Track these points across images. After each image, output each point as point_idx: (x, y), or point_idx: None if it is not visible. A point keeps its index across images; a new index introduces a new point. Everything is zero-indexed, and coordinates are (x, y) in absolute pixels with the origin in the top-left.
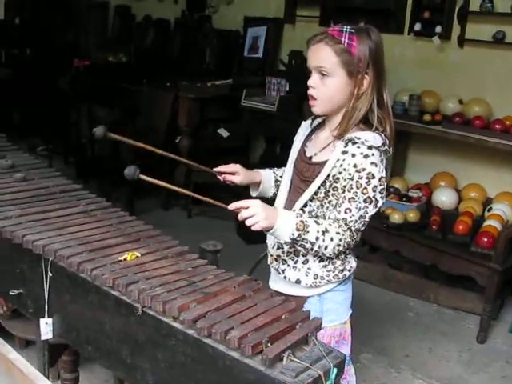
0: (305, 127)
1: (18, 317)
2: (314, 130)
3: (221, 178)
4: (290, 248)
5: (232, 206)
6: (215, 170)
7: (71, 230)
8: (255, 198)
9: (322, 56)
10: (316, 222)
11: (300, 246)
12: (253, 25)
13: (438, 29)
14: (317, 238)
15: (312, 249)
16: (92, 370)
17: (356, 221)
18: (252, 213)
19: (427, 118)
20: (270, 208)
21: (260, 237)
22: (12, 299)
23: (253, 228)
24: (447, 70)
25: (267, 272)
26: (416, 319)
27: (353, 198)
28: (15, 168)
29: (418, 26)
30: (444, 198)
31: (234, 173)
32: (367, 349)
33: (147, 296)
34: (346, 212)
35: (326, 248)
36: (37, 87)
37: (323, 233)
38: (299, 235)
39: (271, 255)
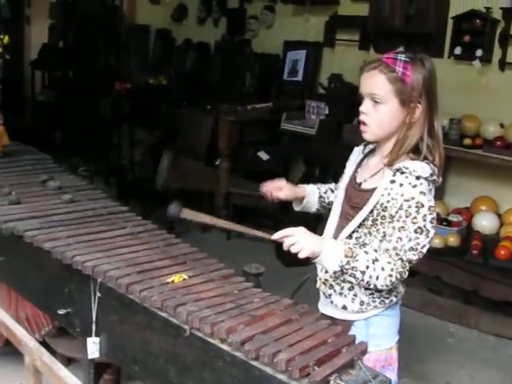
0: (357, 153)
1: (62, 335)
2: (365, 156)
3: (268, 195)
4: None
5: (276, 236)
6: (263, 189)
7: (119, 252)
8: (298, 211)
9: (376, 83)
10: (365, 251)
11: (350, 275)
12: (292, 48)
13: (479, 52)
14: (367, 267)
15: (363, 279)
16: None
17: (406, 251)
18: (297, 239)
19: (467, 141)
20: (315, 235)
21: (299, 260)
22: (59, 318)
23: (299, 255)
24: (488, 94)
25: (309, 295)
26: (456, 345)
27: (402, 227)
28: (62, 189)
29: (458, 50)
30: (485, 222)
31: (279, 188)
32: (407, 374)
33: (195, 318)
34: (396, 241)
35: (377, 278)
36: (79, 109)
37: (373, 261)
38: (348, 262)
39: (319, 279)
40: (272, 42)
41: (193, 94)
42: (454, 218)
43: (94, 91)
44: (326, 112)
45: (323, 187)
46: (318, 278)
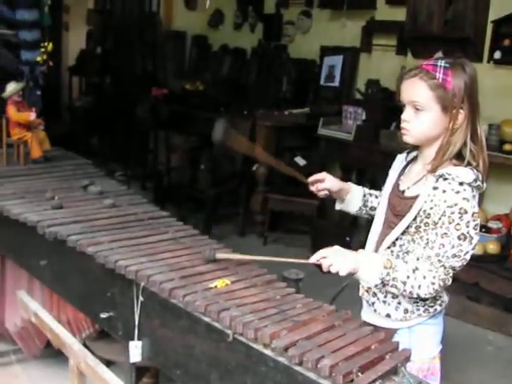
0: (399, 160)
1: (102, 338)
2: (408, 164)
3: (313, 188)
4: None
5: (312, 260)
6: (308, 180)
7: (162, 257)
8: (335, 216)
9: (416, 91)
10: (404, 261)
11: (392, 286)
12: (329, 54)
13: None
14: (408, 277)
15: (405, 289)
16: None
17: (449, 257)
18: (333, 261)
19: (507, 147)
20: (350, 252)
21: None
22: (102, 322)
23: (340, 274)
24: None
25: (349, 302)
26: (496, 353)
27: (445, 233)
28: (103, 194)
29: (497, 54)
30: None
31: (322, 180)
32: (445, 383)
33: (239, 323)
34: (439, 248)
35: (419, 287)
36: (116, 115)
37: (414, 271)
38: (388, 274)
39: (362, 286)
40: (308, 48)
41: (229, 99)
42: (493, 224)
43: (130, 97)
44: (363, 117)
45: (368, 190)
46: (360, 286)
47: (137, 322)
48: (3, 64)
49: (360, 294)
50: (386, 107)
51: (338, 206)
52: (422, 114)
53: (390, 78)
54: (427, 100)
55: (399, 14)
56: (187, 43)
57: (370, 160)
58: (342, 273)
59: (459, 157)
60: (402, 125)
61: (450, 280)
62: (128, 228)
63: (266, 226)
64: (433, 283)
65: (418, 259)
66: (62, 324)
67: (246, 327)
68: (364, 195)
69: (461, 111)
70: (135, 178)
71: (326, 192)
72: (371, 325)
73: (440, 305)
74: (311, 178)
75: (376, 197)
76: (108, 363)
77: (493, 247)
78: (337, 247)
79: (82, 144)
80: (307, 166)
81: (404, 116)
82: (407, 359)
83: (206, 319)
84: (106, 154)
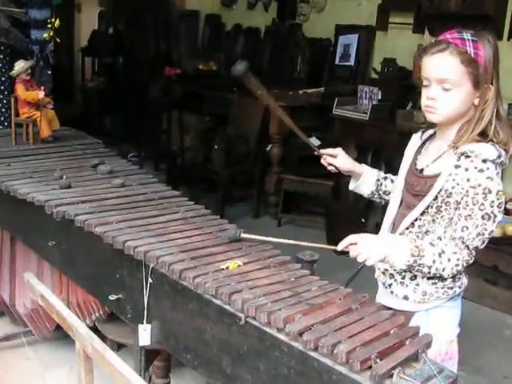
0: (415, 140)
1: (112, 320)
2: (424, 142)
3: (323, 160)
4: None
5: (341, 246)
6: (317, 152)
7: (172, 237)
8: (350, 197)
9: (447, 67)
10: (431, 243)
11: (417, 270)
12: (344, 32)
13: None
14: (434, 261)
15: (430, 272)
16: (183, 377)
17: (474, 238)
18: (361, 250)
19: None
20: (380, 238)
21: None
22: (110, 304)
23: (366, 263)
24: None
25: (364, 286)
26: None
27: (469, 215)
28: (113, 174)
29: None
30: None
31: (335, 156)
32: (463, 367)
33: (251, 306)
34: (462, 230)
35: (443, 270)
36: (129, 95)
37: (440, 254)
38: (415, 261)
39: (378, 268)
40: (323, 26)
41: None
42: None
43: (143, 77)
44: (379, 97)
45: (383, 174)
46: (376, 268)
47: (146, 305)
48: (13, 43)
49: (376, 276)
50: (402, 86)
51: (351, 186)
52: (452, 91)
53: (407, 57)
54: (459, 76)
55: None
56: (200, 23)
57: (385, 140)
58: (370, 262)
59: (482, 133)
60: (428, 103)
61: (473, 259)
62: (137, 208)
63: (280, 207)
64: (457, 265)
65: (439, 239)
66: (72, 306)
67: (258, 310)
68: (378, 179)
69: (490, 86)
70: (149, 159)
71: (333, 168)
72: (387, 308)
73: (459, 287)
74: (324, 151)
75: (392, 181)
76: (119, 346)
77: None
78: (367, 235)
79: (95, 125)
80: (322, 146)
81: (431, 94)
82: (428, 345)
83: (217, 302)
84: (119, 135)
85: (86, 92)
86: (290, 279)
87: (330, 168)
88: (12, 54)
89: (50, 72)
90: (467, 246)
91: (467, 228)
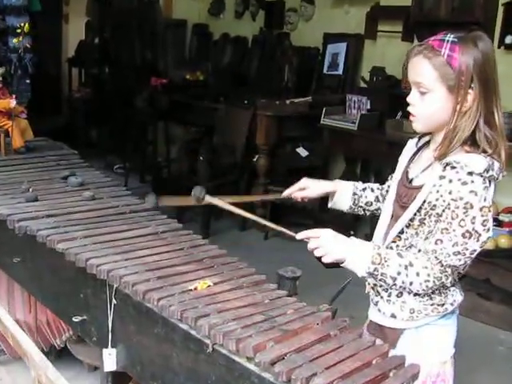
0: (410, 147)
1: (83, 341)
2: (419, 150)
3: (294, 198)
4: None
5: (300, 236)
6: (284, 195)
7: (139, 254)
8: (329, 209)
9: (420, 70)
10: (399, 254)
11: (380, 280)
12: (332, 41)
13: None
14: (398, 273)
15: (395, 284)
16: None
17: (448, 255)
18: (321, 243)
19: None
20: (343, 238)
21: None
22: (75, 325)
23: (322, 260)
24: None
25: (351, 302)
26: (508, 354)
27: (446, 228)
28: (85, 186)
29: (509, 39)
30: None
31: (303, 188)
32: None
33: (219, 332)
34: (436, 243)
35: (411, 284)
36: (115, 106)
37: (406, 267)
38: (375, 269)
39: (368, 283)
40: (311, 35)
41: (230, 89)
42: (505, 217)
43: (129, 87)
44: (368, 106)
45: (362, 185)
46: (366, 283)
47: (110, 328)
48: None
49: (366, 291)
50: (391, 95)
51: (329, 204)
52: (427, 96)
53: (396, 66)
54: (431, 80)
55: (405, 0)
56: (187, 32)
57: (375, 150)
58: (326, 259)
59: (473, 143)
60: (408, 108)
61: (449, 278)
62: (106, 222)
63: (267, 219)
64: (426, 281)
65: (419, 252)
66: (42, 325)
67: (226, 337)
68: (354, 193)
69: (470, 91)
70: (134, 171)
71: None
72: (377, 325)
73: (452, 304)
74: (290, 190)
75: (372, 190)
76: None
77: (504, 241)
78: (330, 231)
79: (82, 136)
80: (310, 157)
81: (409, 99)
82: (415, 377)
83: (183, 326)
84: (105, 146)
85: (73, 103)
86: (263, 301)
87: (304, 200)
88: None
89: (28, 81)
90: (440, 262)
91: (441, 241)
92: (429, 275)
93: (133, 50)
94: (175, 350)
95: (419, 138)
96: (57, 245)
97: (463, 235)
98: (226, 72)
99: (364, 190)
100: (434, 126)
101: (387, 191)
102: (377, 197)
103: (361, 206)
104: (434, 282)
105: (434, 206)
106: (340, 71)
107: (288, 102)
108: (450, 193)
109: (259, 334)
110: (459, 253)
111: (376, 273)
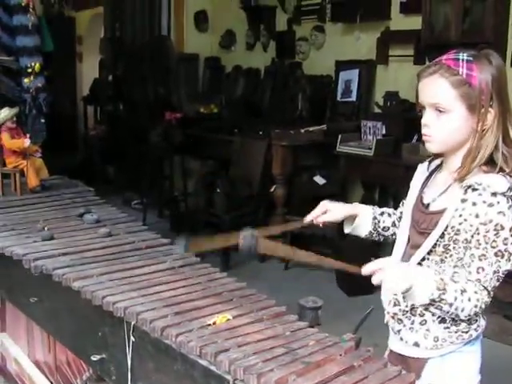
0: (421, 171)
1: (104, 380)
2: (431, 174)
3: (317, 223)
4: (407, 306)
5: (366, 271)
6: (306, 220)
7: (156, 290)
8: (348, 234)
9: (437, 90)
10: (452, 280)
11: (437, 307)
12: (344, 68)
13: None
14: (455, 299)
15: (449, 311)
16: None
17: (491, 279)
18: (387, 276)
19: None
20: (405, 266)
21: (363, 289)
22: (94, 364)
23: (390, 292)
24: None
25: (375, 330)
26: None
27: (483, 254)
28: (101, 222)
29: None
30: None
31: (324, 212)
32: None
33: (239, 367)
34: (478, 272)
35: (462, 310)
36: (130, 141)
37: (462, 292)
38: (439, 295)
39: (388, 312)
40: (323, 63)
41: (244, 121)
42: None
43: (144, 123)
44: (383, 132)
45: (379, 209)
46: (385, 312)
47: (129, 366)
48: (4, 92)
49: (385, 321)
50: (406, 119)
51: (346, 230)
52: (445, 116)
53: (409, 89)
54: (450, 100)
55: (415, 23)
56: (200, 66)
57: (392, 175)
58: (394, 291)
59: (489, 163)
60: (423, 131)
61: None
62: (122, 258)
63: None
64: (476, 306)
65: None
66: (62, 365)
67: (247, 372)
68: (374, 217)
69: (490, 110)
70: (152, 206)
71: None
72: (399, 355)
73: (476, 329)
74: (311, 215)
75: (389, 215)
76: None
77: None
78: (393, 261)
79: (98, 173)
80: (327, 185)
81: (425, 120)
82: None
83: (203, 362)
84: (122, 183)
85: (89, 140)
86: (284, 333)
87: (324, 225)
88: (3, 103)
89: (43, 120)
90: (486, 288)
91: (483, 269)
92: (478, 300)
93: (146, 86)
94: None
95: (429, 162)
96: (73, 283)
97: (496, 254)
98: (240, 104)
99: (382, 214)
100: (450, 147)
101: (400, 217)
102: (393, 222)
103: (378, 232)
104: (481, 306)
105: (458, 230)
106: (353, 98)
107: (303, 131)
108: (476, 216)
109: (281, 368)
110: (495, 272)
111: (437, 299)
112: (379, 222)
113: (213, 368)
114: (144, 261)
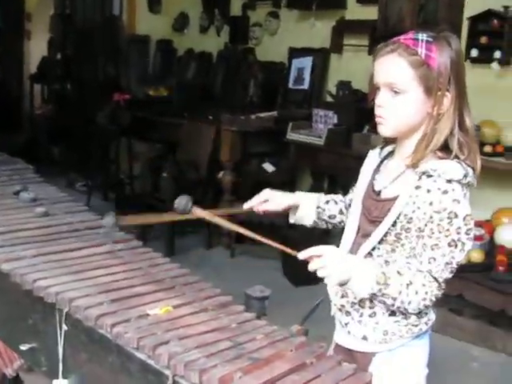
0: (372, 158)
1: None
2: (383, 160)
3: (257, 211)
4: (355, 298)
5: (303, 255)
6: (245, 207)
7: (92, 275)
8: (292, 224)
9: (395, 70)
10: (399, 272)
11: (380, 301)
12: (298, 56)
13: (497, 54)
14: (400, 293)
15: (393, 305)
16: None
17: (443, 270)
18: (324, 263)
19: (487, 149)
20: (347, 256)
21: (310, 279)
22: (24, 354)
23: (325, 281)
24: (508, 98)
25: (323, 322)
26: (481, 370)
27: (436, 244)
28: (38, 201)
29: (474, 52)
30: (509, 235)
31: (265, 201)
32: None
33: (180, 362)
34: (429, 262)
35: (409, 303)
36: (77, 122)
37: (407, 286)
38: (379, 290)
39: (334, 304)
40: (277, 50)
41: (195, 105)
42: (475, 231)
43: (92, 103)
44: (335, 121)
45: (325, 197)
46: (332, 304)
47: (61, 356)
48: None
49: (332, 314)
50: (358, 110)
51: (291, 220)
52: (400, 96)
53: (363, 80)
54: (407, 80)
55: (371, 13)
56: (151, 48)
57: (342, 165)
58: (332, 282)
59: (444, 149)
60: (377, 112)
61: (442, 291)
62: (59, 240)
63: (234, 237)
64: (424, 299)
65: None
66: None
67: (188, 367)
68: (318, 206)
69: (447, 94)
70: (97, 189)
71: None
72: (345, 349)
73: (426, 323)
74: (251, 202)
75: (335, 202)
76: None
77: (476, 255)
78: (333, 248)
79: (43, 153)
80: (276, 173)
81: (379, 101)
82: None
83: (140, 356)
84: (68, 164)
85: (35, 120)
86: (230, 325)
87: (265, 214)
88: None
89: None
90: (436, 279)
91: (435, 259)
92: (426, 293)
93: (95, 66)
94: (132, 381)
95: (381, 149)
96: (1, 265)
97: (449, 244)
98: (191, 87)
99: (327, 202)
100: (404, 130)
101: (350, 205)
102: (340, 209)
103: (324, 220)
104: (430, 299)
105: (411, 218)
106: (306, 86)
107: (253, 116)
108: (430, 204)
109: (226, 364)
110: (447, 263)
111: (378, 293)
112: (324, 210)
113: (151, 362)
114: (81, 243)
